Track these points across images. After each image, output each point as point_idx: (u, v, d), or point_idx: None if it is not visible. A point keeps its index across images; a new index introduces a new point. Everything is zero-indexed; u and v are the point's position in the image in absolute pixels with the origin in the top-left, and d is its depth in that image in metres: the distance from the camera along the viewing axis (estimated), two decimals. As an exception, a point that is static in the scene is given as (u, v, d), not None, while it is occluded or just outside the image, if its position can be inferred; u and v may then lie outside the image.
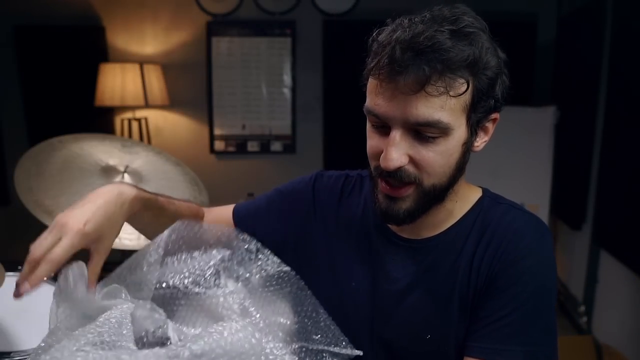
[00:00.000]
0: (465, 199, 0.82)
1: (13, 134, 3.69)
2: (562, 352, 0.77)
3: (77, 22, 3.57)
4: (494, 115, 0.76)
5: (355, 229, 0.88)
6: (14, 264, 1.53)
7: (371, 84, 0.72)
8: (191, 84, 3.68)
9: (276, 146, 3.75)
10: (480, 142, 0.78)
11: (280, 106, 3.71)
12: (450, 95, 0.67)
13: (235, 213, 0.97)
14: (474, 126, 0.73)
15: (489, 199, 0.83)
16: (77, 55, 3.59)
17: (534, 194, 3.00)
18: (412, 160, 0.72)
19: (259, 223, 0.94)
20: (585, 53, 3.02)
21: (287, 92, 3.69)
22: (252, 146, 3.75)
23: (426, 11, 0.71)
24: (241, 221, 0.95)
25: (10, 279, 1.47)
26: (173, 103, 3.59)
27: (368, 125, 0.76)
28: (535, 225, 0.78)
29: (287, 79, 3.67)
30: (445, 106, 0.67)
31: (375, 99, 0.71)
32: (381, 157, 0.72)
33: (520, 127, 3.02)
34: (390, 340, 0.83)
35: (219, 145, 3.76)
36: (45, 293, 1.46)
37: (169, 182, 1.91)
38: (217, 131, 3.73)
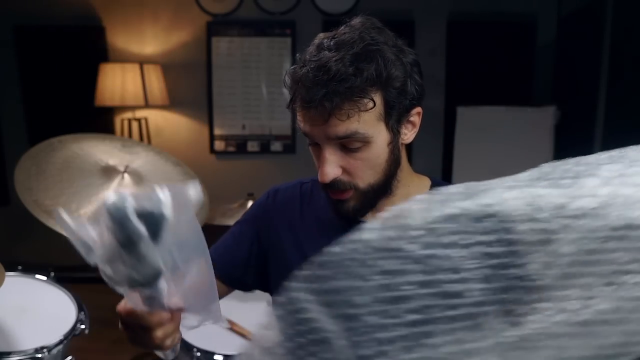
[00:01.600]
0: (418, 185, 0.93)
1: (13, 134, 3.69)
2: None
3: (77, 22, 3.57)
4: (416, 110, 0.84)
5: (325, 227, 0.94)
6: (14, 264, 1.53)
7: (297, 110, 0.83)
8: (191, 84, 3.68)
9: (276, 146, 3.75)
10: (410, 134, 0.86)
11: (280, 106, 3.70)
12: (361, 111, 0.77)
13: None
14: (395, 127, 0.82)
15: (438, 186, 0.95)
16: (77, 55, 3.59)
17: (534, 194, 3.00)
18: (344, 170, 0.82)
19: (234, 259, 0.99)
20: (585, 53, 3.02)
21: (287, 92, 3.68)
22: (252, 146, 3.75)
23: (340, 29, 0.81)
24: (222, 268, 0.98)
25: (10, 279, 1.48)
26: (173, 103, 3.59)
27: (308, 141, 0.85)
28: None
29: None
30: (360, 120, 0.77)
31: (300, 123, 0.83)
32: (318, 173, 0.82)
33: (520, 127, 3.02)
34: None
35: (219, 145, 3.76)
36: (44, 294, 1.46)
37: (169, 182, 1.91)
38: (217, 131, 3.73)
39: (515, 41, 3.54)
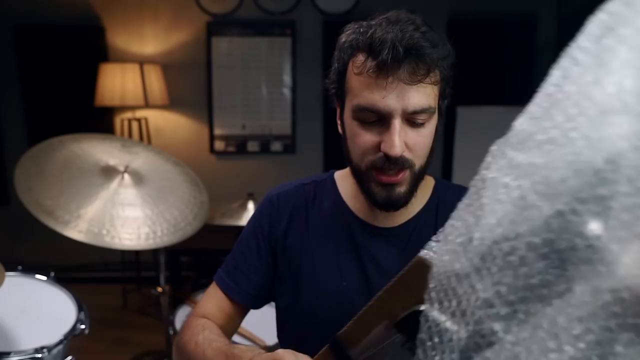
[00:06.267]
0: (424, 185, 0.90)
1: (13, 134, 3.69)
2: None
3: (77, 22, 3.57)
4: (447, 100, 0.85)
5: (332, 230, 0.91)
6: (14, 264, 1.53)
7: (361, 82, 0.78)
8: (191, 84, 3.68)
9: (276, 146, 3.75)
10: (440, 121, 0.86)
11: (280, 106, 3.71)
12: (434, 85, 0.77)
13: (226, 289, 0.96)
14: (441, 109, 0.83)
15: (441, 185, 0.94)
16: (77, 55, 3.59)
17: (534, 194, 3.00)
18: (407, 146, 0.79)
19: (256, 276, 0.95)
20: (585, 53, 3.02)
21: (287, 92, 3.69)
22: (252, 146, 3.75)
23: (376, 16, 0.80)
24: (249, 295, 0.96)
25: (10, 279, 1.48)
26: (173, 103, 3.59)
27: (354, 124, 0.81)
28: None
29: (287, 79, 3.68)
30: (431, 93, 0.77)
31: (370, 96, 0.76)
32: (386, 146, 0.77)
33: (520, 127, 3.02)
34: None
35: (219, 145, 3.76)
36: (44, 294, 1.46)
37: (169, 182, 1.91)
38: (217, 131, 3.73)
39: (515, 41, 3.54)
